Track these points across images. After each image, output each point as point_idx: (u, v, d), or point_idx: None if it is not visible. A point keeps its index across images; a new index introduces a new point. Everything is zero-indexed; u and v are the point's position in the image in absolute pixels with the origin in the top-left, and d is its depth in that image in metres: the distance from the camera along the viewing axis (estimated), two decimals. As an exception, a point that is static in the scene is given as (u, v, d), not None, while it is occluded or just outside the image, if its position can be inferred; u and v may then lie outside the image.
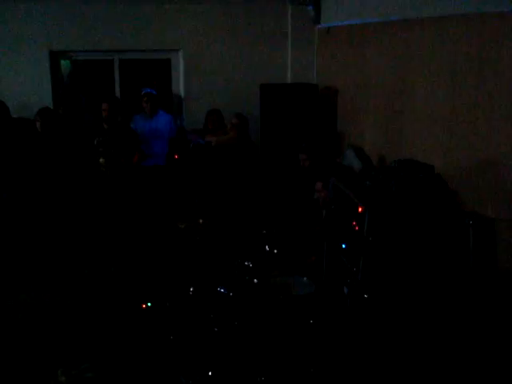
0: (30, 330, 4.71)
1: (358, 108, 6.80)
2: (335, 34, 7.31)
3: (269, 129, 7.29)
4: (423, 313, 3.36)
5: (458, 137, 4.73)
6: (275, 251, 4.61)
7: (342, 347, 3.50)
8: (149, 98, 6.93)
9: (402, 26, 5.67)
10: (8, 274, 5.37)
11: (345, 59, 7.04)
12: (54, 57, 7.34)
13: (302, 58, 7.89)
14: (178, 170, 6.59)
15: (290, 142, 6.82)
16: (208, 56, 7.69)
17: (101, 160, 5.96)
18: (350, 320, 3.46)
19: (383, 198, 3.38)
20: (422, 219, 3.31)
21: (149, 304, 5.01)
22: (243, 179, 6.43)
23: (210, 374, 3.55)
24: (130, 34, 7.40)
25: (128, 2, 7.31)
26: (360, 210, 3.36)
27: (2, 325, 4.54)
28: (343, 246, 3.71)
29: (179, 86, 7.87)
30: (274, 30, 7.80)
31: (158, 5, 7.42)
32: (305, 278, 4.37)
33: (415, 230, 3.30)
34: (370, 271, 3.32)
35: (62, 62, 7.60)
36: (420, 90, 5.34)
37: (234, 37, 7.70)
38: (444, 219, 3.35)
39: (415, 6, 5.35)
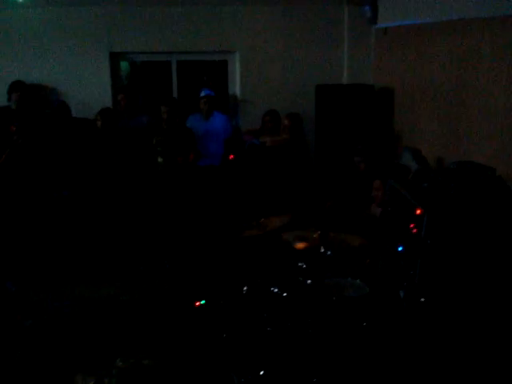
0: (91, 321, 4.86)
1: (415, 109, 6.69)
2: (392, 34, 7.22)
3: (324, 130, 7.26)
4: (480, 318, 3.28)
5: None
6: (329, 252, 4.58)
7: (396, 350, 3.45)
8: (207, 100, 7.01)
9: (459, 26, 5.56)
10: (68, 268, 5.54)
11: (402, 60, 6.94)
12: (114, 58, 7.51)
13: (358, 59, 7.82)
14: (233, 170, 6.64)
15: (346, 143, 6.77)
16: (264, 57, 7.72)
17: (159, 159, 6.09)
18: (406, 324, 3.41)
19: (442, 201, 3.32)
20: (481, 223, 3.23)
21: (202, 302, 5.07)
22: (295, 180, 6.42)
23: (261, 373, 3.56)
24: (187, 35, 7.50)
25: (186, 3, 7.41)
26: (418, 212, 3.31)
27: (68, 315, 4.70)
28: (400, 248, 3.66)
29: (235, 87, 7.93)
30: (331, 30, 7.76)
31: (216, 6, 7.49)
32: (358, 280, 4.33)
33: (475, 233, 3.22)
34: (428, 275, 3.26)
35: (122, 63, 7.77)
36: (480, 90, 5.21)
37: (290, 38, 7.70)
38: (505, 223, 3.26)
39: (472, 5, 5.23)
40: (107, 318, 5.11)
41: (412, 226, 3.42)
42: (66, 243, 5.78)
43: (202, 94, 7.10)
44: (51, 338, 4.58)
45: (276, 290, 4.33)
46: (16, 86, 6.69)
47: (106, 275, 5.79)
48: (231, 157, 6.74)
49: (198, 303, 5.11)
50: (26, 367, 3.82)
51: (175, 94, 7.78)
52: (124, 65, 7.92)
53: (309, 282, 4.34)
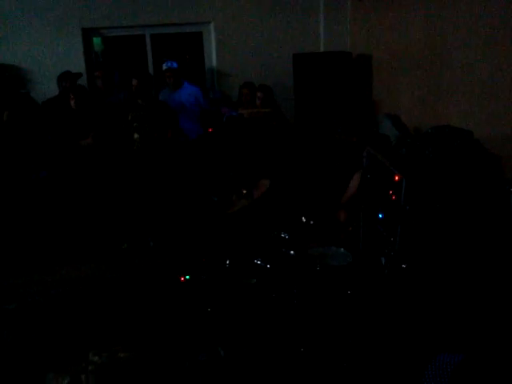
0: (62, 311, 4.82)
1: (393, 75, 6.65)
2: (368, 0, 7.14)
3: (303, 99, 7.20)
4: (461, 282, 3.31)
5: (499, 100, 4.58)
6: (311, 222, 4.59)
7: (379, 317, 3.48)
8: (171, 73, 6.88)
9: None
10: (47, 250, 5.49)
11: (379, 26, 6.87)
12: (87, 34, 7.36)
13: (334, 26, 7.74)
14: (212, 143, 6.58)
15: (325, 112, 6.73)
16: (240, 27, 7.60)
17: (135, 135, 6.00)
18: (388, 290, 3.43)
19: (420, 166, 3.32)
20: (459, 186, 3.23)
21: (187, 277, 5.07)
22: (276, 151, 6.39)
23: (246, 345, 3.57)
24: (160, 8, 7.36)
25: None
26: (396, 178, 3.30)
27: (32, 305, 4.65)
28: (380, 215, 3.67)
29: (212, 59, 7.83)
30: (306, -2, 7.66)
31: (188, -23, 7.35)
32: (342, 249, 4.35)
33: (453, 197, 3.22)
34: (408, 241, 3.27)
35: (95, 39, 7.62)
36: (457, 53, 5.18)
37: (265, 7, 7.59)
38: (483, 186, 3.27)
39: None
40: (84, 301, 5.09)
41: (391, 192, 3.41)
42: (47, 224, 5.72)
43: (164, 67, 6.95)
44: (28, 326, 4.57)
45: (259, 262, 4.33)
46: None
47: (88, 255, 5.76)
48: (210, 130, 6.67)
49: (182, 278, 5.11)
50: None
51: (151, 69, 7.66)
52: (97, 41, 7.77)
53: (292, 252, 4.35)
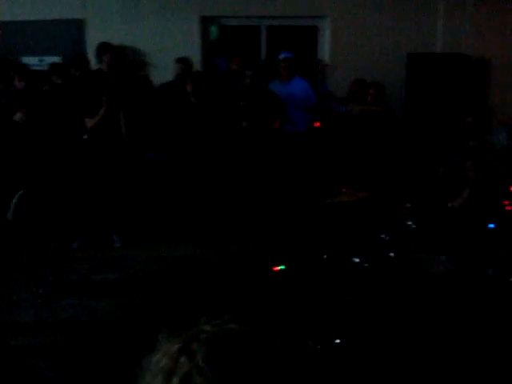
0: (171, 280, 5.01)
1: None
2: (491, 1, 6.84)
3: (414, 100, 7.03)
4: None
5: None
6: (415, 226, 4.49)
7: (482, 328, 3.36)
8: (287, 63, 6.89)
9: None
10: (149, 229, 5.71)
11: (501, 29, 6.57)
12: (205, 22, 7.55)
13: (453, 27, 7.46)
14: (319, 137, 6.57)
15: (436, 114, 6.54)
16: (355, 23, 7.52)
17: (244, 124, 6.11)
18: (494, 302, 3.30)
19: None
20: None
21: (282, 267, 5.12)
22: (384, 149, 6.30)
23: (337, 341, 3.56)
24: (278, 0, 7.41)
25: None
26: (513, 189, 3.16)
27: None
28: (491, 225, 3.53)
29: (324, 54, 7.79)
30: (426, -4, 7.44)
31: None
32: (443, 257, 4.22)
33: None
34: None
35: (212, 27, 7.79)
36: None
37: (382, 4, 7.45)
38: None
39: None
40: (187, 278, 5.27)
41: (506, 203, 3.27)
42: (155, 202, 5.96)
43: (281, 56, 6.97)
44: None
45: (357, 261, 4.30)
46: (105, 48, 6.79)
47: (185, 234, 5.97)
48: (317, 124, 6.66)
49: (277, 268, 5.16)
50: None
51: (264, 60, 7.73)
52: (214, 29, 7.94)
53: (391, 254, 4.27)
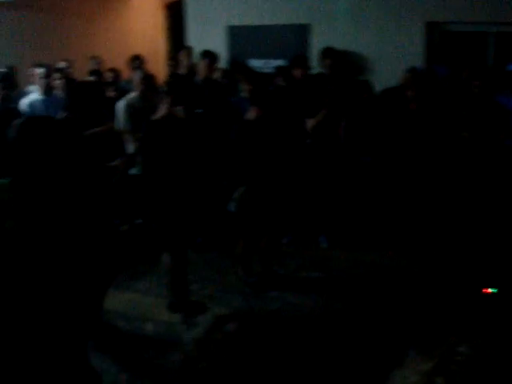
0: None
1: None
2: None
3: None
4: None
5: None
6: None
7: None
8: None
9: None
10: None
11: None
12: (430, 28, 7.33)
13: None
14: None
15: None
16: None
17: (464, 133, 5.82)
18: None
19: None
20: None
21: (494, 290, 4.82)
22: None
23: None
24: (509, 5, 6.92)
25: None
26: None
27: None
28: None
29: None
30: None
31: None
32: None
33: None
34: None
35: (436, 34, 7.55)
36: None
37: None
38: None
39: None
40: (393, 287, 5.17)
41: None
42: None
43: (511, 67, 6.50)
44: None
45: None
46: (328, 53, 6.94)
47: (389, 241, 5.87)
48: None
49: (488, 290, 4.85)
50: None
51: (490, 69, 7.29)
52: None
53: None
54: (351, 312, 4.87)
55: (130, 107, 5.87)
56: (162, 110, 4.61)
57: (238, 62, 7.66)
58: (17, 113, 5.63)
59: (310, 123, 5.84)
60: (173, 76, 6.38)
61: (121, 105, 5.93)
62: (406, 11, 7.21)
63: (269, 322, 4.66)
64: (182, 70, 6.72)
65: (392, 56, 7.19)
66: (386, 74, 6.99)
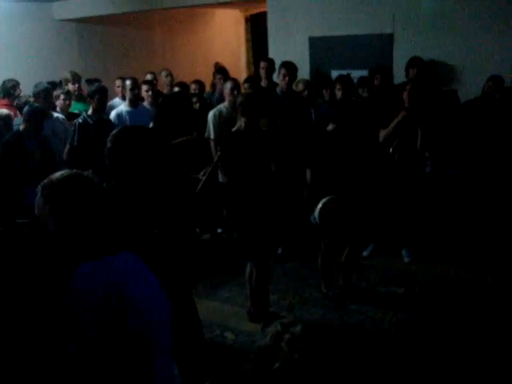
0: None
1: None
2: None
3: None
4: None
5: None
6: None
7: None
8: None
9: None
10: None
11: None
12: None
13: None
14: None
15: None
16: None
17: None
18: None
19: None
20: None
21: None
22: None
23: None
24: None
25: None
26: None
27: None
28: None
29: None
30: None
31: None
32: None
33: None
34: None
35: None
36: None
37: None
38: None
39: None
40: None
41: None
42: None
43: None
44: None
45: None
46: (413, 62, 6.81)
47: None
48: None
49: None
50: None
51: None
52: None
53: None
54: (432, 331, 4.70)
55: (219, 117, 6.04)
56: (241, 122, 4.68)
57: (320, 73, 7.65)
58: (111, 124, 5.84)
59: (382, 134, 5.69)
60: (253, 86, 6.44)
61: (211, 114, 6.11)
62: (494, 19, 6.94)
63: (347, 334, 4.63)
64: (263, 83, 6.77)
65: (479, 66, 6.94)
66: (473, 84, 6.77)
